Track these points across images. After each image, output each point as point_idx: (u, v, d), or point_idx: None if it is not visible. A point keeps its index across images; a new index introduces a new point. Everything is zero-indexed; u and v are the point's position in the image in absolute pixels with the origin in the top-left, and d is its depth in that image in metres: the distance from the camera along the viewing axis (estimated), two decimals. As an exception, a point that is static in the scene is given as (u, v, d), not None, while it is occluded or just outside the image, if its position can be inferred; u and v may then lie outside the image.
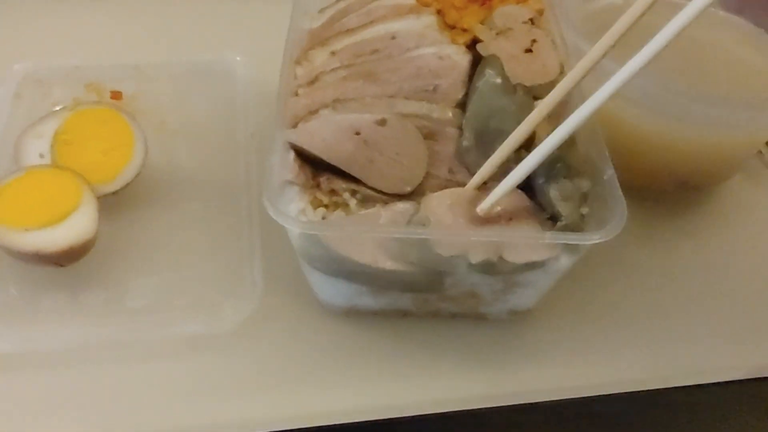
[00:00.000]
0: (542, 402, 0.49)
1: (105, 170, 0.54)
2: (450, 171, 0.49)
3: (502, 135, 0.47)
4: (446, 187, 0.48)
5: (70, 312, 0.50)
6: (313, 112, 0.50)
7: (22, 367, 0.48)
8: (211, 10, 0.75)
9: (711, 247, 0.59)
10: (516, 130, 0.45)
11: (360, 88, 0.51)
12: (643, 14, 0.40)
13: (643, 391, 0.50)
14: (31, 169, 0.53)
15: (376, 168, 0.47)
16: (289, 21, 0.55)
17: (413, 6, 0.55)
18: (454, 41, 0.53)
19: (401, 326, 0.51)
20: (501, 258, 0.43)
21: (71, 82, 0.65)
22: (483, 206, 0.44)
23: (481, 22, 0.55)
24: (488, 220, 0.45)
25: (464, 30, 0.54)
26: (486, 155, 0.47)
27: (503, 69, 0.50)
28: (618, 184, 0.45)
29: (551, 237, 0.44)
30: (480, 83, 0.49)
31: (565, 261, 0.46)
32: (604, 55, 0.41)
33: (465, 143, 0.48)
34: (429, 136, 0.49)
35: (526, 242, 0.44)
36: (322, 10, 0.59)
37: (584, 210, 0.46)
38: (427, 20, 0.54)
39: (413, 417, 0.47)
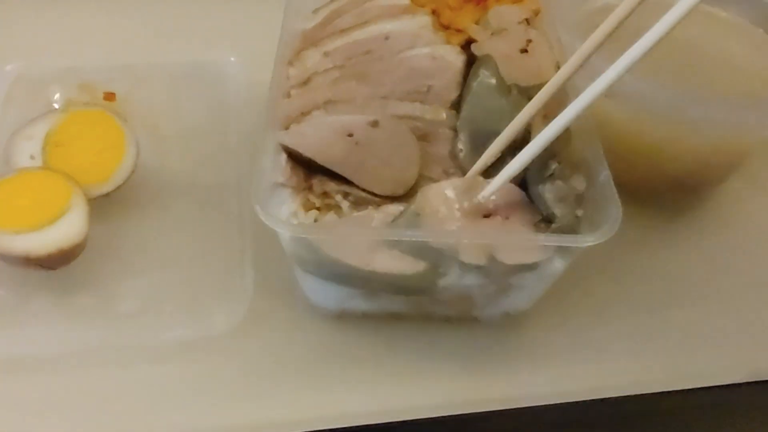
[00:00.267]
0: (536, 406, 0.48)
1: (96, 172, 0.54)
2: (444, 173, 0.48)
3: (497, 135, 0.47)
4: (440, 189, 0.47)
5: (59, 315, 0.50)
6: (306, 114, 0.49)
7: (10, 371, 0.48)
8: (205, 11, 0.75)
9: (707, 249, 0.59)
10: (507, 128, 0.44)
11: (353, 89, 0.50)
12: (633, 11, 0.40)
13: (638, 394, 0.49)
14: (21, 171, 0.52)
15: (368, 170, 0.47)
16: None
17: (408, 6, 0.55)
18: (448, 42, 0.52)
19: (394, 329, 0.51)
20: (494, 258, 0.43)
21: (64, 82, 0.64)
22: (485, 194, 0.44)
23: (476, 22, 0.55)
24: (485, 215, 0.44)
25: (459, 30, 0.54)
26: (480, 156, 0.47)
27: (498, 69, 0.49)
28: (613, 186, 0.45)
29: (545, 239, 0.43)
30: (474, 84, 0.49)
31: (558, 263, 0.45)
32: (596, 49, 0.41)
33: (459, 145, 0.48)
34: (422, 137, 0.49)
35: (520, 243, 0.44)
36: (315, 11, 0.58)
37: (579, 212, 0.45)
38: (422, 20, 0.53)
39: (406, 421, 0.47)
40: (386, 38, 0.53)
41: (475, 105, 0.48)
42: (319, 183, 0.47)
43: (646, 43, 0.38)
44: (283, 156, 0.47)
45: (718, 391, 0.51)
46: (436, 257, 0.44)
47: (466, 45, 0.52)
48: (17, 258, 0.48)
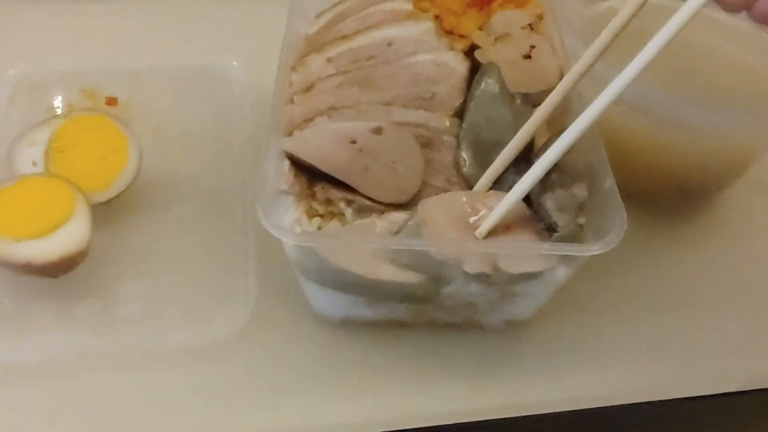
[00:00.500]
0: (539, 414, 0.48)
1: (99, 178, 0.53)
2: (447, 181, 0.48)
3: (500, 145, 0.47)
4: (443, 197, 0.47)
5: (62, 321, 0.50)
6: (309, 120, 0.49)
7: (12, 377, 0.47)
8: (207, 15, 0.74)
9: (713, 256, 0.58)
10: (513, 140, 0.44)
11: (356, 95, 0.50)
12: (633, 15, 0.39)
13: (642, 402, 0.49)
14: (23, 178, 0.52)
15: (372, 177, 0.47)
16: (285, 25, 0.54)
17: (411, 11, 0.55)
18: (451, 47, 0.52)
19: (397, 336, 0.51)
20: (497, 268, 0.43)
21: (66, 87, 0.64)
22: (482, 230, 0.43)
23: (480, 28, 0.55)
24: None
25: (462, 36, 0.54)
26: (483, 165, 0.47)
27: (501, 77, 0.49)
28: (618, 193, 0.44)
29: (548, 248, 0.43)
30: (478, 92, 0.49)
31: (562, 271, 0.45)
32: (599, 56, 0.41)
33: (462, 153, 0.48)
34: (426, 144, 0.48)
35: (523, 253, 0.44)
36: (318, 15, 0.58)
37: (581, 220, 0.45)
38: (425, 26, 0.53)
39: (408, 429, 0.47)
40: (389, 44, 0.52)
41: (478, 113, 0.48)
42: (322, 190, 0.47)
43: (651, 52, 0.37)
44: (286, 163, 0.47)
45: (725, 399, 0.50)
46: (439, 266, 0.44)
47: (470, 51, 0.52)
48: (19, 266, 0.48)
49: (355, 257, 0.44)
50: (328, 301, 0.49)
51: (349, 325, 0.51)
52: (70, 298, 0.50)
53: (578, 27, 0.56)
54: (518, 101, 0.49)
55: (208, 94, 0.66)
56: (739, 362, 0.52)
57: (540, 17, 0.56)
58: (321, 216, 0.46)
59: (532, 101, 0.50)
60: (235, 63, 0.68)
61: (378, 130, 0.47)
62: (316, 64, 0.53)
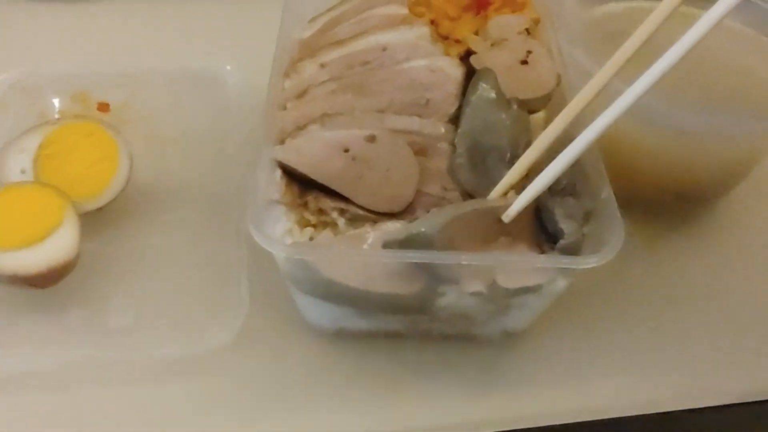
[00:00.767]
0: (536, 427, 0.47)
1: (89, 186, 0.53)
2: (443, 188, 0.47)
3: (496, 151, 0.46)
4: (438, 205, 0.46)
5: (50, 332, 0.49)
6: (301, 128, 0.48)
7: (0, 389, 0.47)
8: (201, 19, 0.74)
9: (713, 264, 0.58)
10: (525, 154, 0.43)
11: (350, 101, 0.50)
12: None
13: (640, 415, 0.48)
14: (10, 186, 0.51)
15: (365, 186, 0.46)
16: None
17: (406, 16, 0.54)
18: (447, 52, 0.51)
19: (391, 348, 0.50)
20: (494, 283, 0.42)
21: (58, 91, 0.63)
22: (510, 213, 0.42)
23: (476, 33, 0.54)
24: (490, 242, 0.43)
25: (458, 41, 0.53)
26: (479, 172, 0.46)
27: (497, 83, 0.48)
28: (616, 204, 0.44)
29: (545, 261, 0.42)
30: (473, 97, 0.48)
31: (561, 283, 0.44)
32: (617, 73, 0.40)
33: (458, 160, 0.47)
34: (420, 152, 0.48)
35: (521, 266, 0.43)
36: (313, 19, 0.57)
37: (586, 229, 0.44)
38: (420, 31, 0.52)
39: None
40: (384, 49, 0.52)
41: (474, 119, 0.47)
42: (314, 199, 0.46)
43: (668, 62, 0.37)
44: (278, 172, 0.46)
45: (726, 410, 0.50)
46: (434, 278, 0.43)
47: (466, 56, 0.52)
48: (5, 276, 0.47)
49: (347, 268, 0.43)
50: (320, 313, 0.48)
51: (342, 336, 0.50)
52: (58, 310, 0.50)
53: (575, 32, 0.55)
54: (514, 106, 0.48)
55: (201, 98, 0.65)
56: (741, 374, 0.51)
57: (536, 22, 0.56)
58: (313, 226, 0.46)
59: (529, 106, 0.49)
60: (228, 67, 0.67)
61: (371, 138, 0.46)
62: (310, 69, 0.52)
